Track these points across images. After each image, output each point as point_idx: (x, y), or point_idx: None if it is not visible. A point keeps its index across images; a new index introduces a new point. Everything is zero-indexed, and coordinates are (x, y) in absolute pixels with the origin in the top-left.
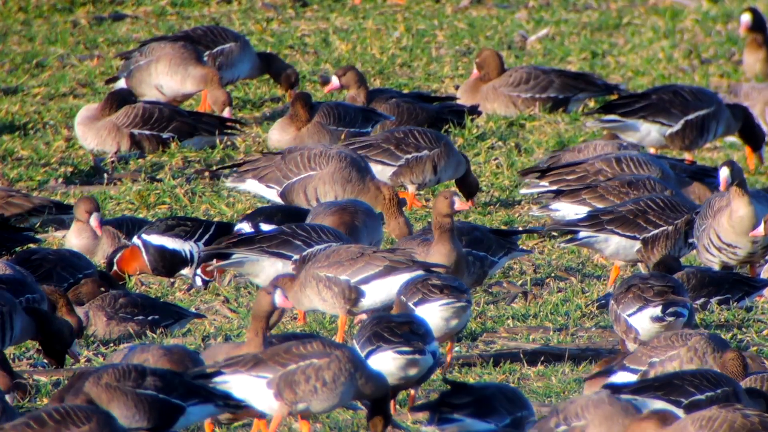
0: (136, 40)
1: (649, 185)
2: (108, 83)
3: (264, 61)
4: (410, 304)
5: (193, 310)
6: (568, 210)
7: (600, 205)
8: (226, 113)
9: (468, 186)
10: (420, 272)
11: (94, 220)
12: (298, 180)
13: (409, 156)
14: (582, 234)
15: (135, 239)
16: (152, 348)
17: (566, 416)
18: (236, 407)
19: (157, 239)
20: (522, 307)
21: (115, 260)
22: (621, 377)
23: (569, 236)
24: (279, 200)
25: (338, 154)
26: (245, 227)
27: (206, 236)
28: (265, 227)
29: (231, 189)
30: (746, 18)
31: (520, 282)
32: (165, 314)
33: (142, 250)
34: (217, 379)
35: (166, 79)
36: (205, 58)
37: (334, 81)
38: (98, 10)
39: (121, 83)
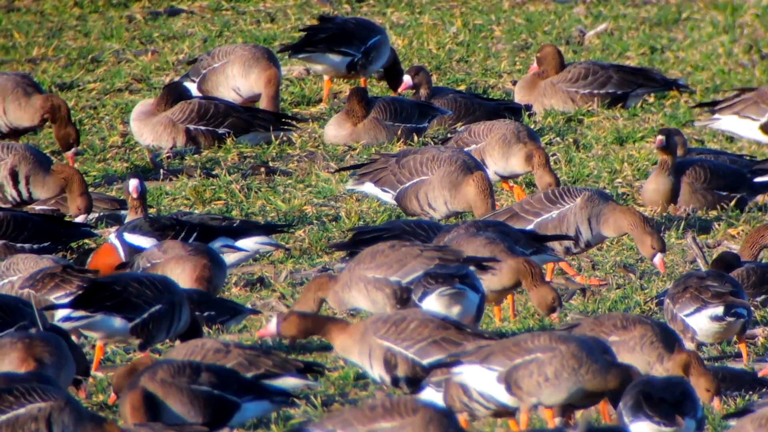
0: (191, 35)
1: None
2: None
3: (393, 54)
4: (416, 300)
5: (248, 306)
6: None
7: None
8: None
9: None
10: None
11: (132, 189)
12: (410, 185)
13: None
14: None
15: (112, 237)
16: None
17: None
18: (292, 403)
19: (138, 239)
20: (580, 303)
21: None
22: None
23: None
24: (395, 203)
25: (449, 157)
26: (112, 238)
27: (189, 240)
28: (130, 237)
29: (351, 191)
30: None
31: (577, 279)
32: (221, 310)
33: (120, 249)
34: (455, 369)
35: (241, 80)
36: (360, 54)
37: (407, 80)
38: (153, 5)
39: (192, 88)
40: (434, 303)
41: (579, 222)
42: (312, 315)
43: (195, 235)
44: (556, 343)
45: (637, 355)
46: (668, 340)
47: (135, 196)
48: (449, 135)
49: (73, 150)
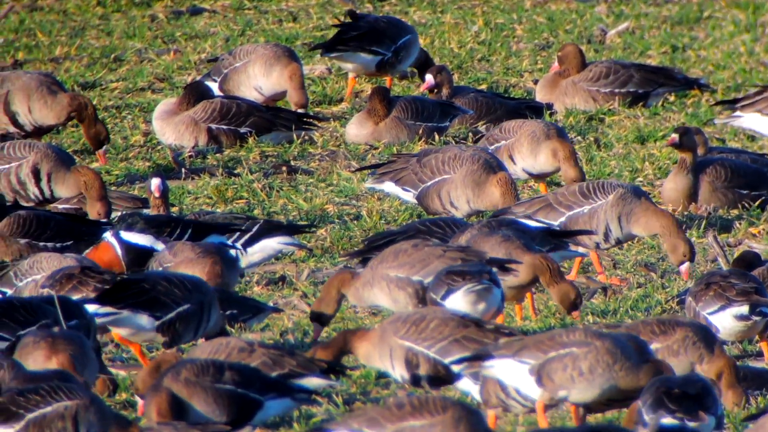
0: (213, 34)
1: None
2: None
3: (423, 54)
4: (438, 299)
5: (270, 304)
6: None
7: None
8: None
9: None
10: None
11: (154, 187)
12: (432, 184)
13: (492, 147)
14: None
15: (108, 236)
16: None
17: None
18: (314, 401)
19: (135, 237)
20: (601, 302)
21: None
22: None
23: None
24: (415, 202)
25: (471, 156)
26: (108, 236)
27: (185, 236)
28: (126, 235)
29: (371, 189)
30: None
31: (598, 277)
32: (243, 309)
33: (116, 247)
34: (486, 363)
35: (263, 79)
36: (390, 53)
37: (429, 79)
38: (176, 4)
39: (214, 87)
40: (460, 300)
41: (609, 219)
42: (331, 342)
43: (189, 232)
44: (592, 339)
45: (681, 357)
46: (708, 339)
47: (157, 195)
48: (481, 134)
49: (104, 148)
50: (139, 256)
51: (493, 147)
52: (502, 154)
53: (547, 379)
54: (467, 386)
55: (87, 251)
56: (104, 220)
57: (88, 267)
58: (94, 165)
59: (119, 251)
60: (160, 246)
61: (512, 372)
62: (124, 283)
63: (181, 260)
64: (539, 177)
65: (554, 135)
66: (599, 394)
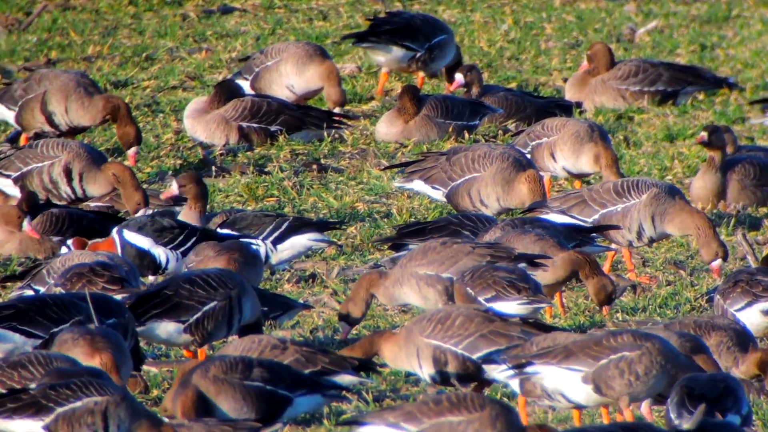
0: (244, 33)
1: None
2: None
3: (458, 53)
4: (481, 299)
5: (301, 301)
6: None
7: None
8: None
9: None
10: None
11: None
12: (462, 182)
13: (533, 143)
14: None
15: (114, 232)
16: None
17: None
18: (344, 398)
19: (135, 238)
20: (631, 300)
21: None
22: None
23: None
24: (444, 200)
25: (501, 154)
26: (114, 232)
27: (187, 244)
28: (128, 235)
29: (401, 188)
30: None
31: (628, 275)
32: (273, 306)
33: (117, 244)
34: (528, 369)
35: (295, 78)
36: (423, 50)
37: (459, 78)
38: (207, 3)
39: (245, 85)
40: (509, 311)
41: (642, 219)
42: (358, 345)
43: (194, 239)
44: (641, 341)
45: None
46: (743, 341)
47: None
48: (515, 131)
49: (134, 149)
50: (135, 256)
51: (534, 143)
52: (543, 152)
53: (606, 387)
54: (504, 376)
55: (92, 242)
56: (143, 209)
57: (96, 264)
58: (126, 164)
59: (119, 249)
60: (156, 250)
61: (561, 380)
62: (146, 296)
63: (201, 259)
64: (578, 177)
65: (598, 138)
66: (651, 393)
